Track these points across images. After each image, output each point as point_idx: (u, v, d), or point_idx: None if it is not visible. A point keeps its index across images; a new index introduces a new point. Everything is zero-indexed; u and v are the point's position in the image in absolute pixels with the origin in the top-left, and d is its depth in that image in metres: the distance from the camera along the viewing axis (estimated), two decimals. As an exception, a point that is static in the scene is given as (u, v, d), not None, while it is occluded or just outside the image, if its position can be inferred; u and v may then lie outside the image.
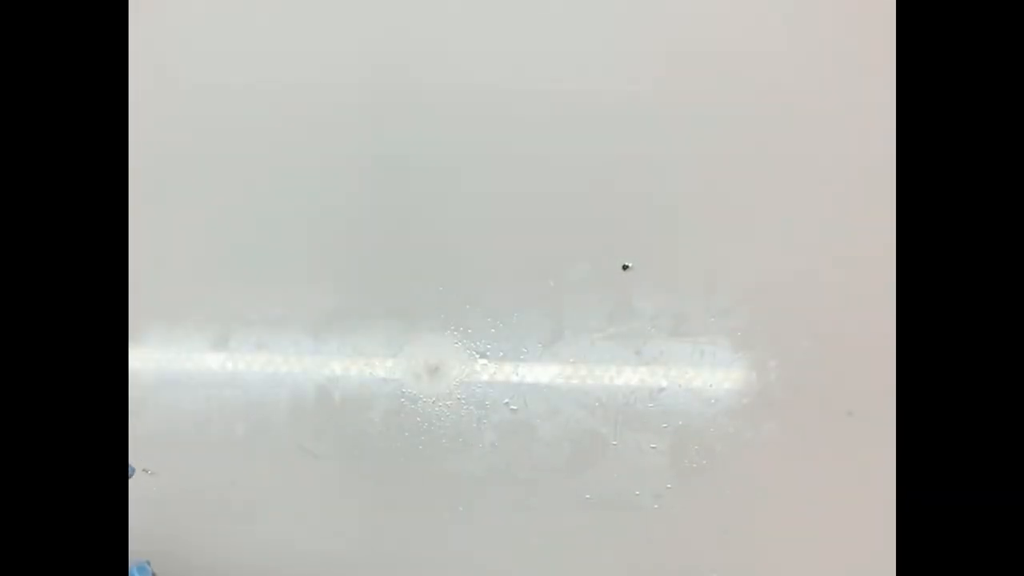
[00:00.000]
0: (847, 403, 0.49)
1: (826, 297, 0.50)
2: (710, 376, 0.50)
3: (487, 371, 0.50)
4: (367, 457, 0.50)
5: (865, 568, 0.45)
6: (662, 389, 0.50)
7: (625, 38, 0.55)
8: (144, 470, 0.48)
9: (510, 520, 0.48)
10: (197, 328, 0.52)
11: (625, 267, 0.51)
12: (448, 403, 0.49)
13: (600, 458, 0.49)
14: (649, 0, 0.55)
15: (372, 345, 0.52)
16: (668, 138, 0.53)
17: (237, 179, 0.55)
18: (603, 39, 0.56)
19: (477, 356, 0.50)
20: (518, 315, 0.52)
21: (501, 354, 0.51)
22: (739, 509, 0.48)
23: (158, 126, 0.54)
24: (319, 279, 0.53)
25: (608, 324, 0.52)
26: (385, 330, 0.52)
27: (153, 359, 0.50)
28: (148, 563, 0.35)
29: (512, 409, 0.48)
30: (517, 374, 0.49)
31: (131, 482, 0.46)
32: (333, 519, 0.49)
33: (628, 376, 0.48)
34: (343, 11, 0.57)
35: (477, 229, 0.53)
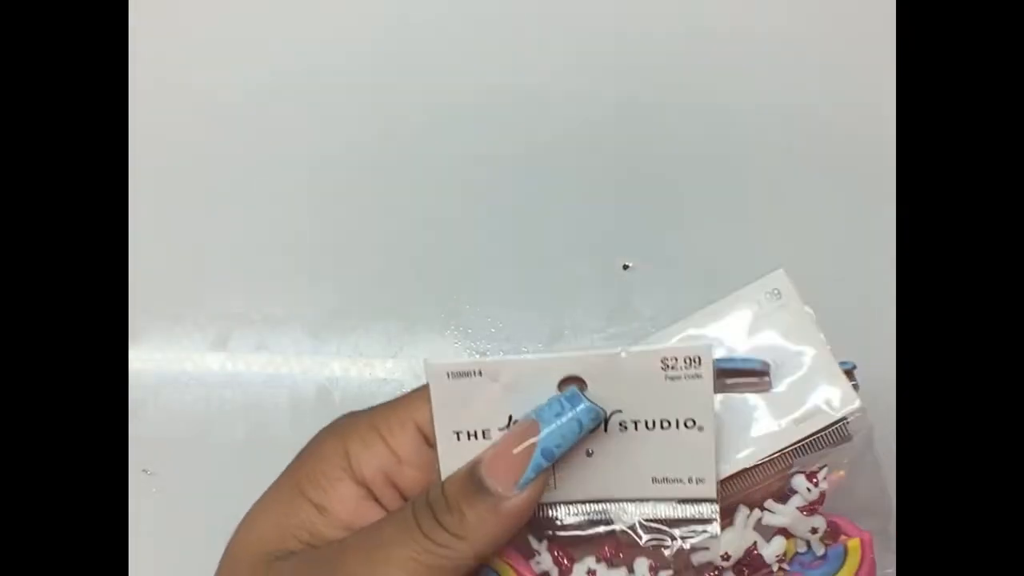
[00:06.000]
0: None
1: (826, 297, 0.50)
2: (711, 376, 0.50)
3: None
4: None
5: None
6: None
7: (622, 36, 0.56)
8: (144, 471, 0.48)
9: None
10: (197, 328, 0.52)
11: (625, 267, 0.51)
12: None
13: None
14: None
15: (372, 345, 0.52)
16: (668, 137, 0.53)
17: (237, 178, 0.55)
18: (599, 36, 0.56)
19: (477, 356, 0.50)
20: (518, 315, 0.52)
21: (501, 353, 0.51)
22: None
23: (158, 124, 0.54)
24: (319, 279, 0.53)
25: (608, 324, 0.52)
26: (385, 330, 0.52)
27: (153, 359, 0.50)
28: None
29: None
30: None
31: (130, 482, 0.46)
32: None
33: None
34: (346, 12, 0.57)
35: (477, 229, 0.53)
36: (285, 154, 0.55)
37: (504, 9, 0.56)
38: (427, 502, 0.33)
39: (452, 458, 0.33)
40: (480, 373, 0.34)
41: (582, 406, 0.32)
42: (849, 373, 0.36)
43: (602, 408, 0.33)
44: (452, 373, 0.34)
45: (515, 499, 0.32)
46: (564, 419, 0.32)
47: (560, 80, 0.55)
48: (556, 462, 0.33)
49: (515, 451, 0.32)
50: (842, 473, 0.36)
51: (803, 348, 0.36)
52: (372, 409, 0.36)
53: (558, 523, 0.35)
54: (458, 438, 0.34)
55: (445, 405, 0.34)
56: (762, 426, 0.35)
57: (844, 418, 0.34)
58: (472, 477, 0.32)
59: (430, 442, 0.34)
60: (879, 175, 0.50)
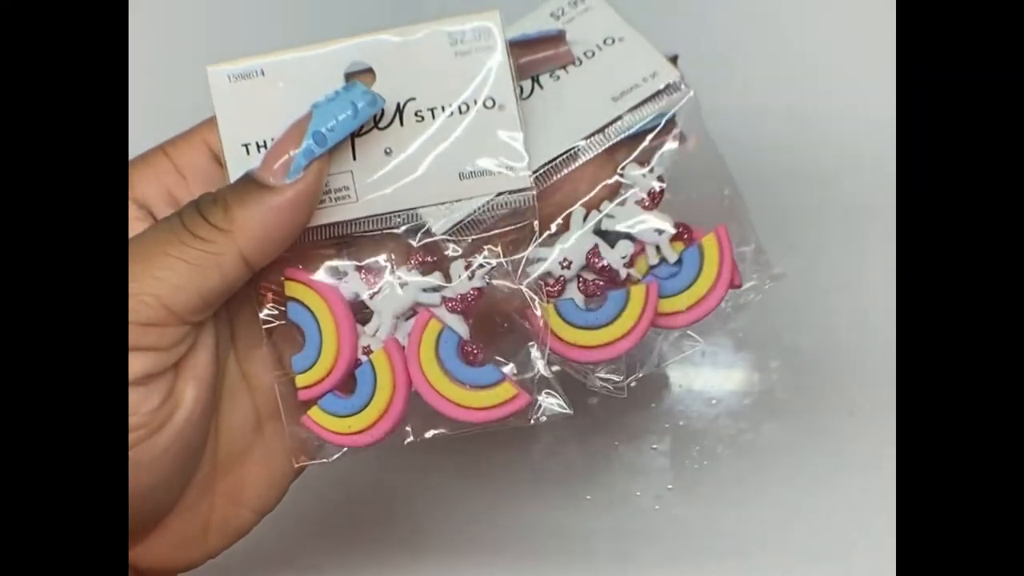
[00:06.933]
0: (847, 403, 0.49)
1: (826, 297, 0.50)
2: (711, 377, 0.50)
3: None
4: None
5: (865, 569, 0.45)
6: (663, 389, 0.50)
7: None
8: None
9: (509, 519, 0.48)
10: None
11: None
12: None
13: (601, 458, 0.49)
14: None
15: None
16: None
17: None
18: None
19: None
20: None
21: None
22: (740, 509, 0.48)
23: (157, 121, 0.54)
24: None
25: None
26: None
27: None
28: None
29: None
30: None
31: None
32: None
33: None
34: None
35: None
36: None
37: None
38: (195, 202, 0.31)
39: (241, 172, 0.32)
40: (263, 73, 0.32)
41: (356, 89, 0.31)
42: (672, 60, 0.35)
43: (379, 95, 0.31)
44: (234, 76, 0.32)
45: (286, 190, 0.30)
46: (336, 101, 0.31)
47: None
48: (356, 174, 0.32)
49: (287, 142, 0.31)
50: (676, 143, 0.35)
51: (613, 37, 0.35)
52: None
53: (364, 239, 0.33)
54: (247, 151, 0.32)
55: (231, 115, 0.32)
56: (578, 108, 0.34)
57: (662, 90, 0.34)
58: (245, 175, 0.31)
59: (221, 161, 0.33)
60: (878, 176, 0.50)
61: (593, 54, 0.35)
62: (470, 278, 0.33)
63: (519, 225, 0.33)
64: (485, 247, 0.33)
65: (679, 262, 0.35)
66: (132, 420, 0.30)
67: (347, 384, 0.34)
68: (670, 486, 0.48)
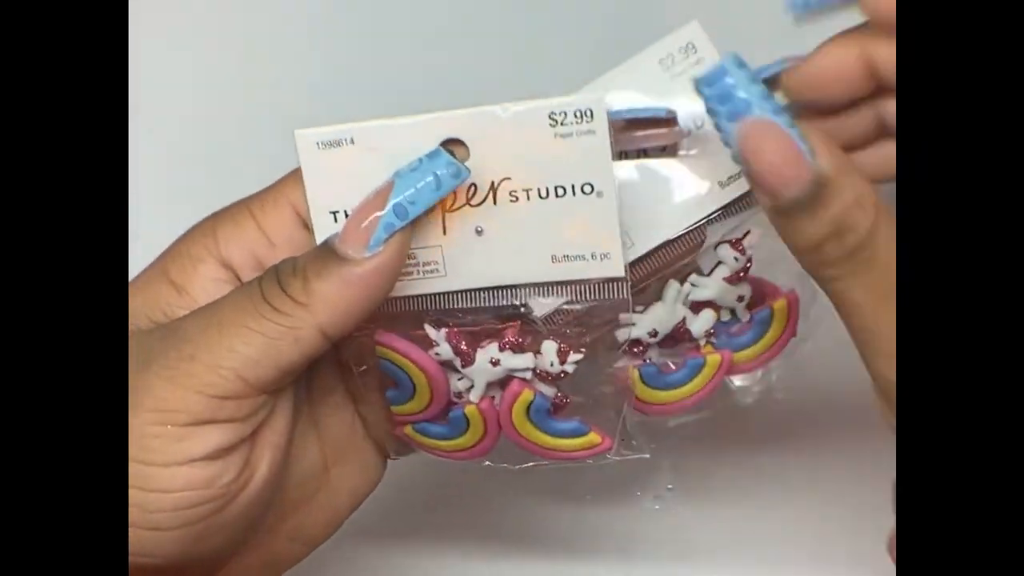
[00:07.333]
0: (847, 403, 0.49)
1: (826, 296, 0.50)
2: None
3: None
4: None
5: (865, 569, 0.45)
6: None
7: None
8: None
9: (510, 519, 0.49)
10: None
11: None
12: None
13: (601, 458, 0.49)
14: None
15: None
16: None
17: (239, 176, 0.55)
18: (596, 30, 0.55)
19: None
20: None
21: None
22: (740, 510, 0.48)
23: (158, 125, 0.54)
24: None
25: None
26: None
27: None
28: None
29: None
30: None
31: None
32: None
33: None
34: None
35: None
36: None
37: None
38: (275, 270, 0.31)
39: None
40: (352, 141, 0.31)
41: (440, 159, 0.30)
42: None
43: (464, 165, 0.30)
44: (323, 143, 0.31)
45: (365, 264, 0.30)
46: (419, 170, 0.30)
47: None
48: (446, 250, 0.32)
49: (367, 211, 0.30)
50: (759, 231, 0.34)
51: None
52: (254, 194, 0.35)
53: (456, 313, 0.33)
54: (335, 219, 0.32)
55: (318, 181, 0.31)
56: (685, 192, 0.33)
57: None
58: (324, 244, 0.31)
59: (308, 225, 0.33)
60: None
61: (703, 124, 0.33)
62: (561, 363, 0.33)
63: (611, 323, 0.33)
64: (574, 331, 0.33)
65: (749, 321, 0.36)
66: (207, 493, 0.30)
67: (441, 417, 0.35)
68: (670, 486, 0.48)
